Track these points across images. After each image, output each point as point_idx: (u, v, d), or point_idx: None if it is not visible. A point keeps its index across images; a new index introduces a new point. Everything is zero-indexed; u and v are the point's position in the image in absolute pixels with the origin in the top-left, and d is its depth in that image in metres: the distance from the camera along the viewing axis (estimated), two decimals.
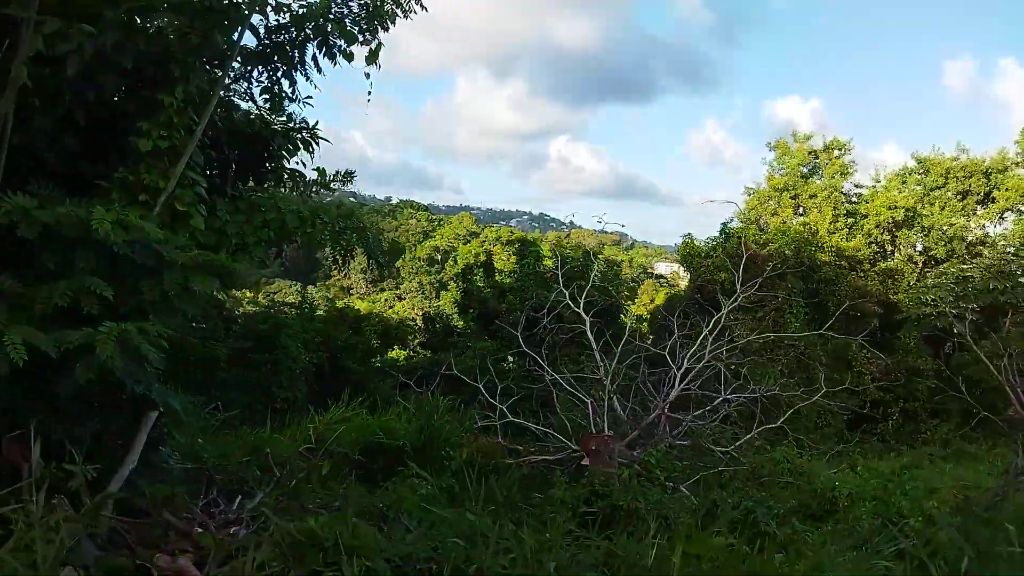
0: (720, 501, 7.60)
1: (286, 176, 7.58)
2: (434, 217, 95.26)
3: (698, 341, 13.05)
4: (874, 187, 30.28)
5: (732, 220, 30.05)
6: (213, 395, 13.83)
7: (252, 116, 7.19)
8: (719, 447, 11.83)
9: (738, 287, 16.32)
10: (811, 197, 29.33)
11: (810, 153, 30.74)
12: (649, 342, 16.60)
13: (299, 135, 7.33)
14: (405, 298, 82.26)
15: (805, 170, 30.81)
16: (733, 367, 17.34)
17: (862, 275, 26.58)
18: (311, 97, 7.37)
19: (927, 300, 24.25)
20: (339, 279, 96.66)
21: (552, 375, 12.16)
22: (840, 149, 30.66)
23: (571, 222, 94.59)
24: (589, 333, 14.11)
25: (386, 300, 74.82)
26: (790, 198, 29.94)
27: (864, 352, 23.61)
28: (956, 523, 8.50)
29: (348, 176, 13.49)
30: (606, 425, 11.09)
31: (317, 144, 7.41)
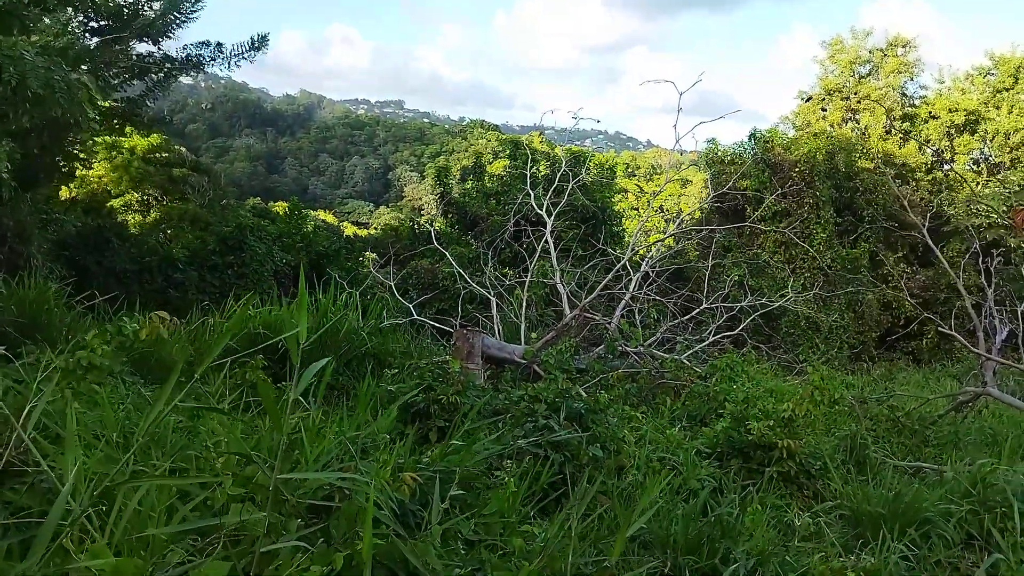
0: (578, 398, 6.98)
1: None
2: (504, 137, 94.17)
3: (630, 245, 12.19)
4: (938, 89, 27.42)
5: (779, 126, 28.11)
6: (168, 293, 14.16)
7: None
8: (663, 354, 11.25)
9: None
10: (864, 98, 26.83)
11: (870, 51, 28.01)
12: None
13: None
14: None
15: (863, 70, 28.17)
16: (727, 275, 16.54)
17: (912, 184, 24.37)
18: None
19: (978, 210, 22.12)
20: (411, 200, 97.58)
21: (463, 275, 11.70)
22: (904, 47, 27.77)
23: (648, 141, 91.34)
24: (549, 236, 13.58)
25: None
26: (841, 100, 27.50)
27: (900, 267, 21.89)
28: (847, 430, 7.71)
29: (261, 42, 12.59)
30: (524, 326, 10.64)
31: None
